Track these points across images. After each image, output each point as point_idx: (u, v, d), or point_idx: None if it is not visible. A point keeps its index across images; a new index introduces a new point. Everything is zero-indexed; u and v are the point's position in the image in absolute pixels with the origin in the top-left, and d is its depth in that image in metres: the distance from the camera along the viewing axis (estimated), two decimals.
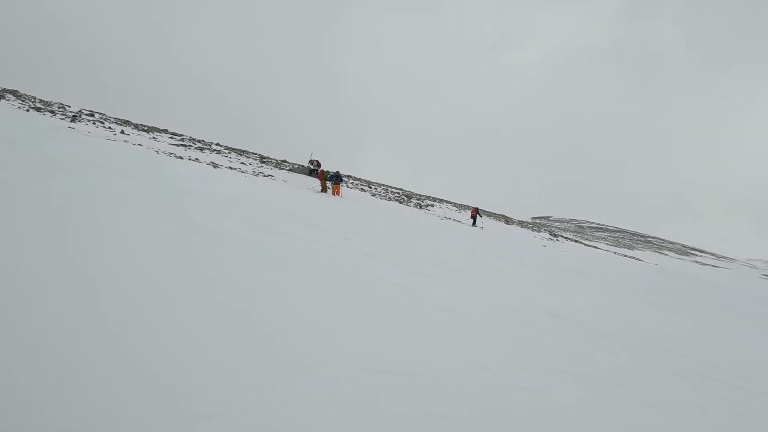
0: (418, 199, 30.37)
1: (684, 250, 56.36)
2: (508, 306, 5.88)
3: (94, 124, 19.27)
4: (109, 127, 19.25)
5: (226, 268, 4.23)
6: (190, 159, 16.71)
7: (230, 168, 17.61)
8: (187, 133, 27.12)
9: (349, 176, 32.30)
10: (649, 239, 61.74)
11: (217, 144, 26.81)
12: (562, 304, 6.89)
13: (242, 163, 21.16)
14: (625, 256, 31.60)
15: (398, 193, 31.27)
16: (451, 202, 35.83)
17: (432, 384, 2.91)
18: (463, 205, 36.17)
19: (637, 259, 30.95)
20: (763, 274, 45.19)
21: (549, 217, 77.99)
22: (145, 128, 23.79)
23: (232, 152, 24.96)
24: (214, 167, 16.27)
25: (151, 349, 2.43)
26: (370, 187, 29.47)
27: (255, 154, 28.03)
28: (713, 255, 59.18)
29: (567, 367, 3.97)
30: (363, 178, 35.52)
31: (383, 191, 29.29)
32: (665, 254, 46.23)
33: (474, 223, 23.67)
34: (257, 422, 2.09)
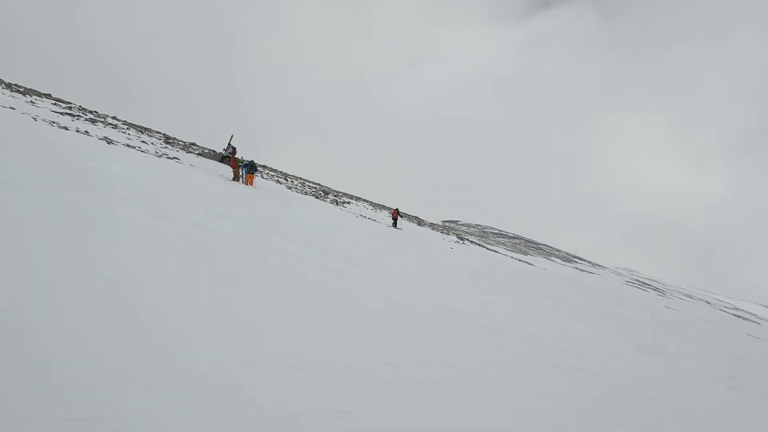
0: (335, 196, 30.26)
1: (568, 257, 63.87)
2: (413, 303, 6.15)
3: None
4: None
5: (116, 257, 3.81)
6: (78, 131, 14.66)
7: (128, 146, 15.82)
8: (78, 102, 23.73)
9: (264, 167, 31.02)
10: (541, 246, 68.85)
11: (114, 117, 23.79)
12: (462, 303, 7.39)
13: (143, 141, 19.11)
14: (520, 260, 34.84)
15: (315, 188, 30.83)
16: (367, 201, 36.30)
17: (333, 379, 2.94)
18: (380, 205, 36.88)
19: (530, 264, 34.33)
20: (626, 281, 53.05)
21: (458, 221, 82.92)
22: (21, 90, 20.32)
23: (132, 128, 22.42)
24: (108, 143, 14.47)
25: (15, 346, 2.10)
26: (287, 180, 28.65)
27: (159, 133, 25.49)
28: (590, 263, 67.90)
29: (462, 362, 4.28)
30: (279, 169, 34.39)
31: (300, 185, 28.67)
32: (553, 260, 51.95)
33: (394, 224, 24.29)
34: (137, 427, 1.91)
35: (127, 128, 21.56)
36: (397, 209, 25.37)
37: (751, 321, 45.62)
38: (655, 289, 52.18)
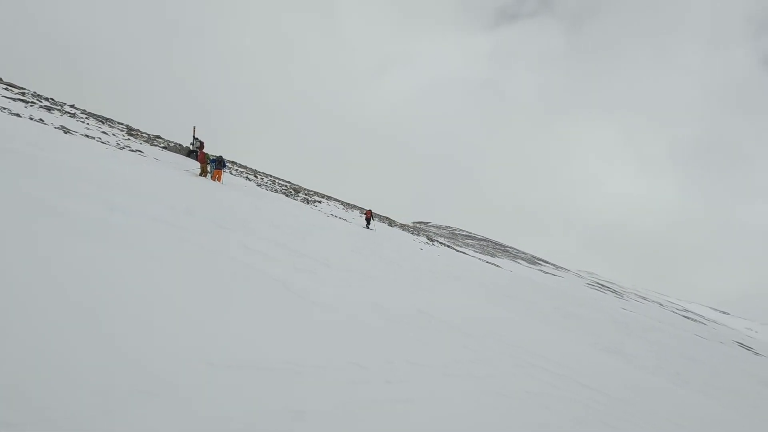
0: (306, 194, 29.89)
1: (533, 260, 65.69)
2: (382, 303, 6.14)
3: None
4: None
5: (65, 252, 3.58)
6: (31, 118, 13.81)
7: (87, 136, 15.04)
8: (32, 88, 22.31)
9: (233, 162, 30.28)
10: (508, 249, 70.50)
11: (72, 106, 22.54)
12: (430, 303, 7.46)
13: (104, 132, 18.20)
14: (488, 262, 35.56)
15: (286, 185, 30.36)
16: (338, 200, 36.07)
17: (297, 379, 2.88)
18: (351, 204, 36.74)
19: (497, 266, 35.09)
20: (587, 283, 55.15)
21: (428, 222, 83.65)
22: None
23: (92, 118, 21.33)
24: (65, 132, 13.71)
25: None
26: (257, 177, 28.07)
27: (122, 124, 24.37)
28: (554, 265, 70.09)
29: (428, 361, 4.31)
30: (249, 166, 33.65)
31: (270, 182, 28.15)
32: (519, 263, 53.30)
33: (367, 225, 24.45)
34: (85, 431, 1.80)
35: (86, 117, 20.50)
36: (370, 210, 25.66)
37: (699, 322, 48.56)
38: (614, 291, 54.51)
